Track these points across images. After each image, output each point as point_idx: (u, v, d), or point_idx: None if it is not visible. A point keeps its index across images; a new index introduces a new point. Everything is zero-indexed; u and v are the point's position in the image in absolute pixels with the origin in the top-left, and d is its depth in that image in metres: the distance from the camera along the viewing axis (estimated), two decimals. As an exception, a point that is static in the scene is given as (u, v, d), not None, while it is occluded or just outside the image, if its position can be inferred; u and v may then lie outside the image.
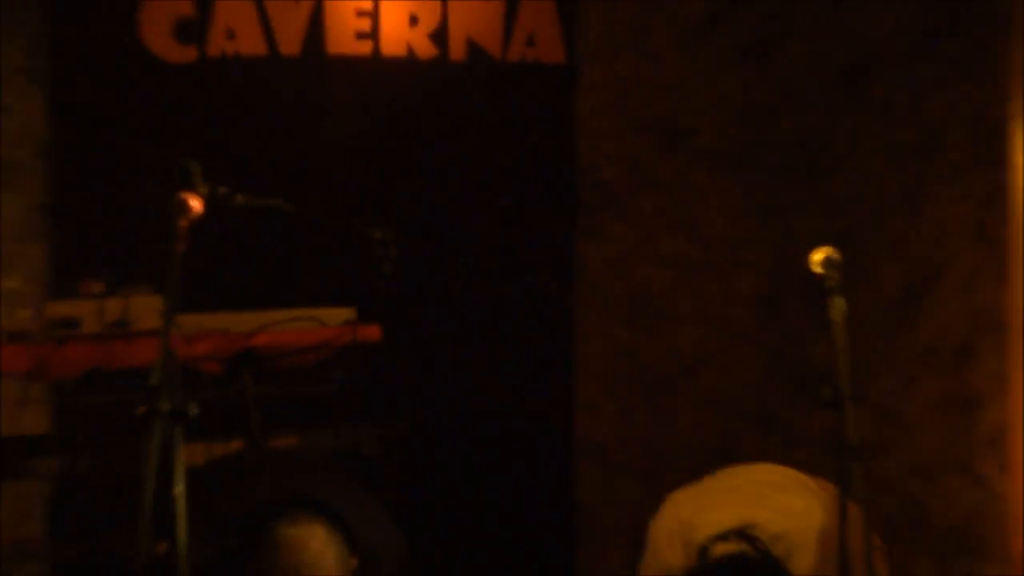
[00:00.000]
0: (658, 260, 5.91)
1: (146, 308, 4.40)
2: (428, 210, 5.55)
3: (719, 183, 5.90)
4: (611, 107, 5.93)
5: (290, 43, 5.65)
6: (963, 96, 5.21)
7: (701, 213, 5.93)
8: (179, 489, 2.87)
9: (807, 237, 3.53)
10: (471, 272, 5.74)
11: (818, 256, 3.29)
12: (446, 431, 5.47)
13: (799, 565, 3.71)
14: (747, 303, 5.91)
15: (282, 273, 4.99)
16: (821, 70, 5.80)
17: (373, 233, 4.35)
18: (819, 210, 5.63)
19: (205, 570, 3.55)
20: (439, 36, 5.76)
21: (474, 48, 5.82)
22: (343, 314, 4.61)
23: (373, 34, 5.73)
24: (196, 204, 3.15)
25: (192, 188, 3.25)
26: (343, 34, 5.71)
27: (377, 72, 5.75)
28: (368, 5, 5.73)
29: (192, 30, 5.60)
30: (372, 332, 4.61)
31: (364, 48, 5.71)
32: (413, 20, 5.75)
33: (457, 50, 5.80)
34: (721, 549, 3.73)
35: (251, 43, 5.65)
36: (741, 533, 3.76)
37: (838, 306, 3.21)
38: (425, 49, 5.77)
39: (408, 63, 5.78)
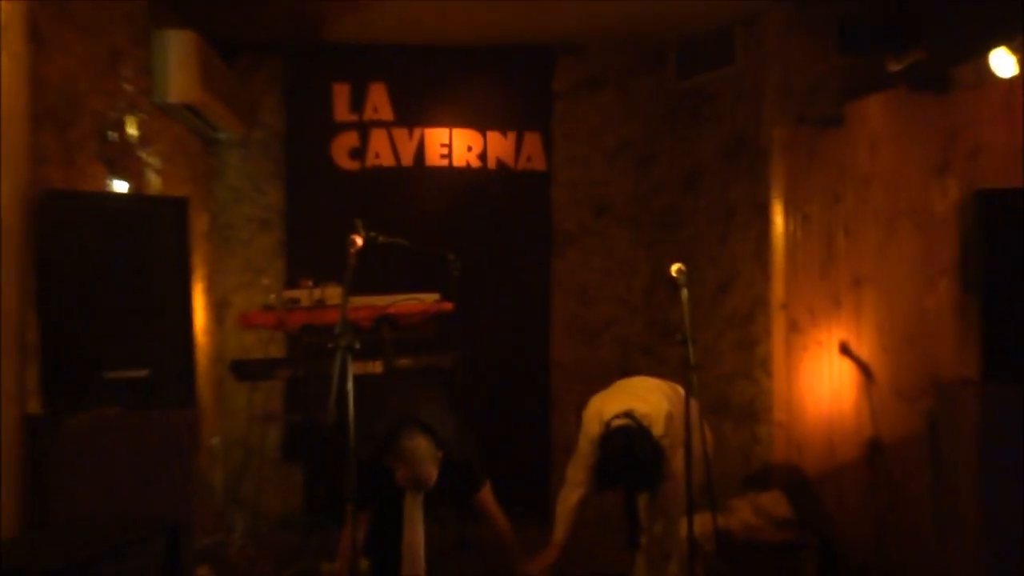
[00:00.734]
0: (592, 270, 6.02)
1: (333, 293, 4.45)
2: (475, 244, 5.41)
3: (623, 232, 6.03)
4: (568, 193, 5.99)
5: (407, 159, 5.80)
6: (747, 188, 5.38)
7: (614, 247, 6.03)
8: (348, 386, 3.24)
9: (669, 259, 3.86)
10: (497, 276, 5.73)
11: (674, 268, 3.61)
12: (482, 357, 5.20)
13: (655, 430, 3.90)
14: (638, 292, 6.05)
15: (402, 275, 4.78)
16: (675, 174, 5.93)
17: (448, 256, 4.51)
18: (675, 246, 5.76)
19: (365, 461, 3.74)
20: (482, 156, 5.87)
21: (500, 162, 5.88)
22: (433, 296, 4.68)
23: (448, 155, 5.84)
24: (359, 241, 3.51)
25: (357, 233, 3.57)
26: (434, 155, 5.82)
27: (450, 175, 5.84)
28: (446, 139, 5.83)
29: (357, 153, 5.77)
30: (447, 306, 4.67)
31: (444, 162, 5.84)
32: (468, 148, 5.85)
33: (491, 163, 5.87)
34: (616, 422, 3.93)
35: (387, 159, 5.78)
36: (627, 414, 3.94)
37: (684, 294, 3.57)
38: (475, 163, 5.87)
39: (466, 170, 5.86)
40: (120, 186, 3.90)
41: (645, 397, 4.07)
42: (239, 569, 4.45)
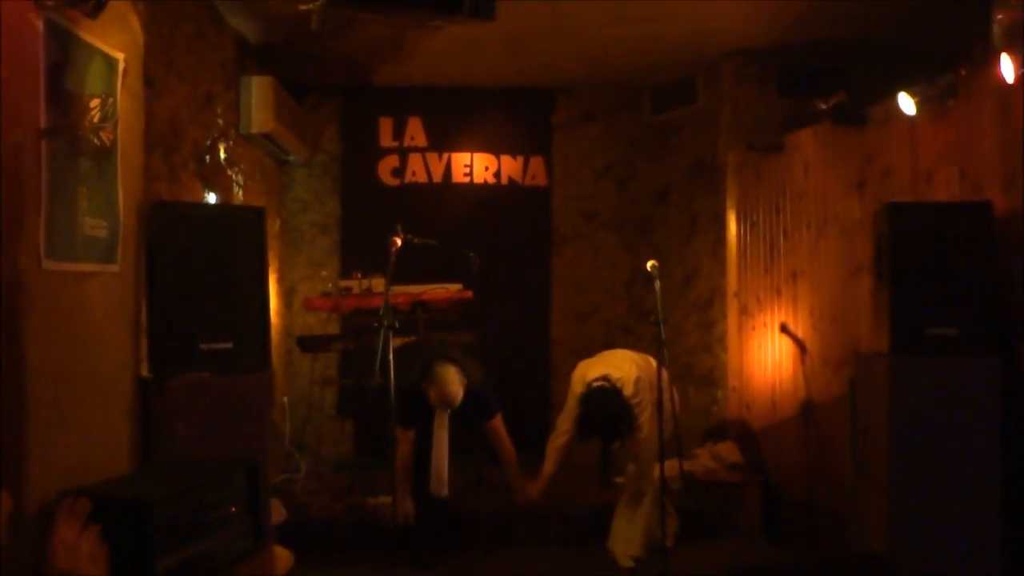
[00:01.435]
0: (583, 266, 5.91)
1: (378, 283, 4.39)
2: (491, 245, 5.20)
3: (608, 235, 5.93)
4: (565, 204, 5.89)
5: (437, 177, 5.74)
6: (707, 201, 5.33)
7: (601, 247, 5.92)
8: (389, 356, 3.33)
9: (645, 257, 4.00)
10: (508, 271, 5.61)
11: (649, 264, 3.60)
12: (496, 335, 5.19)
13: (626, 391, 3.87)
14: (620, 283, 5.92)
15: (432, 269, 4.58)
16: (648, 190, 5.86)
17: (469, 254, 4.40)
18: (650, 246, 5.65)
19: (406, 388, 3.83)
20: (497, 174, 5.80)
21: (511, 180, 5.82)
22: (457, 286, 4.65)
23: (470, 174, 5.78)
24: (398, 241, 3.61)
25: (397, 235, 3.68)
26: (459, 173, 5.76)
27: (471, 190, 5.77)
28: (468, 161, 5.76)
29: (397, 172, 5.70)
30: (468, 294, 4.65)
31: (466, 179, 5.78)
32: (486, 168, 5.78)
33: (504, 180, 5.81)
34: (595, 384, 3.92)
35: (421, 177, 5.72)
36: (604, 378, 3.92)
37: (657, 285, 3.53)
38: (491, 180, 5.80)
39: (484, 186, 5.79)
40: (212, 198, 3.94)
41: (620, 365, 4.02)
42: (303, 501, 4.47)
